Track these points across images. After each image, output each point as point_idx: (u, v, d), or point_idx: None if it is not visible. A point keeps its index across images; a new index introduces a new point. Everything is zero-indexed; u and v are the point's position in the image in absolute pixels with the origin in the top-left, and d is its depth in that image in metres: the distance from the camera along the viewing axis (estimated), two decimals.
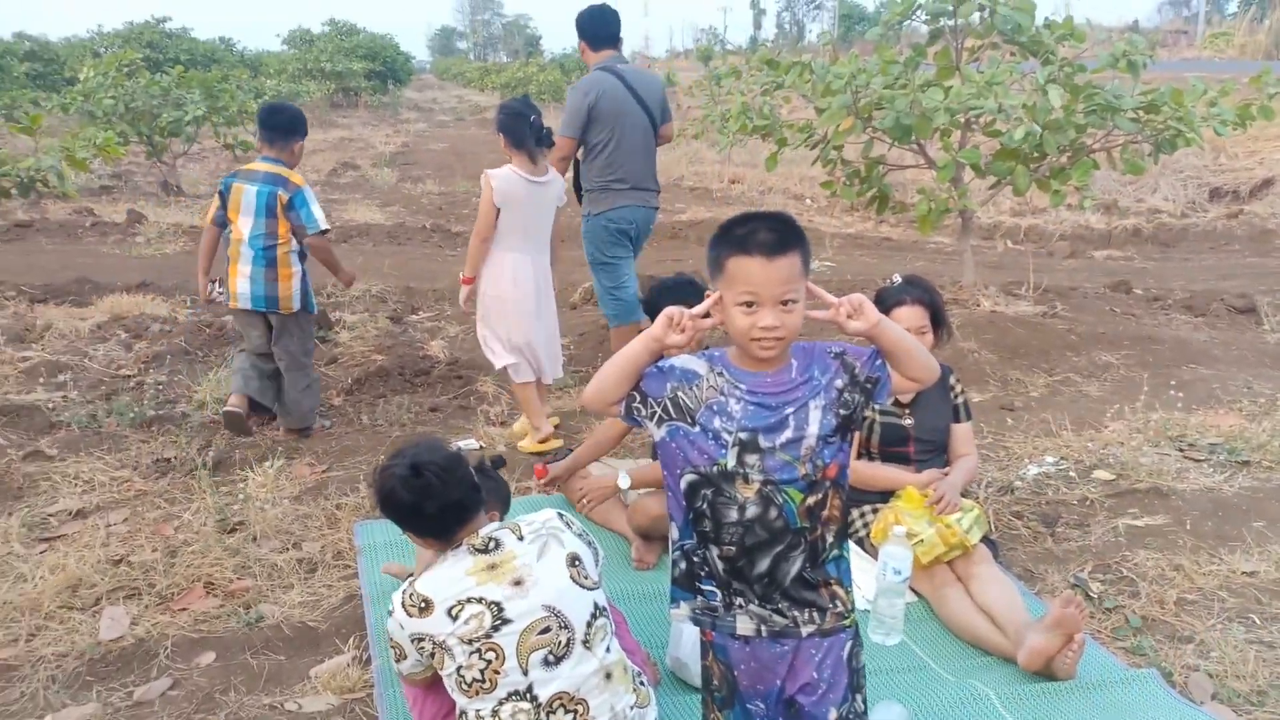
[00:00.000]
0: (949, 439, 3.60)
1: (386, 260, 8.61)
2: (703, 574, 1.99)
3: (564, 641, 2.28)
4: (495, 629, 2.22)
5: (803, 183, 13.34)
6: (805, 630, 1.96)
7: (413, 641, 2.25)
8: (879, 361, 1.96)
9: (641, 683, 2.44)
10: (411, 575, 2.49)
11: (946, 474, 3.44)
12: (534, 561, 2.30)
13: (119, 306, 6.76)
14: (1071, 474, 4.33)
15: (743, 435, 1.89)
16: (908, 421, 3.53)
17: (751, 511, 1.90)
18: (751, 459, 1.89)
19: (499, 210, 4.44)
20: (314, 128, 19.58)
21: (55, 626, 3.17)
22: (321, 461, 4.48)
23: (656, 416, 1.96)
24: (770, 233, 1.86)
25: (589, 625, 2.32)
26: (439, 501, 2.29)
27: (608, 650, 2.35)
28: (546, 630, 2.26)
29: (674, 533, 2.02)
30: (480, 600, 2.23)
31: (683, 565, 2.02)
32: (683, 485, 1.95)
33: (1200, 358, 6.10)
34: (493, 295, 4.58)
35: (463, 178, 13.82)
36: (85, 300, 7.02)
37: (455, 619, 2.21)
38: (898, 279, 3.58)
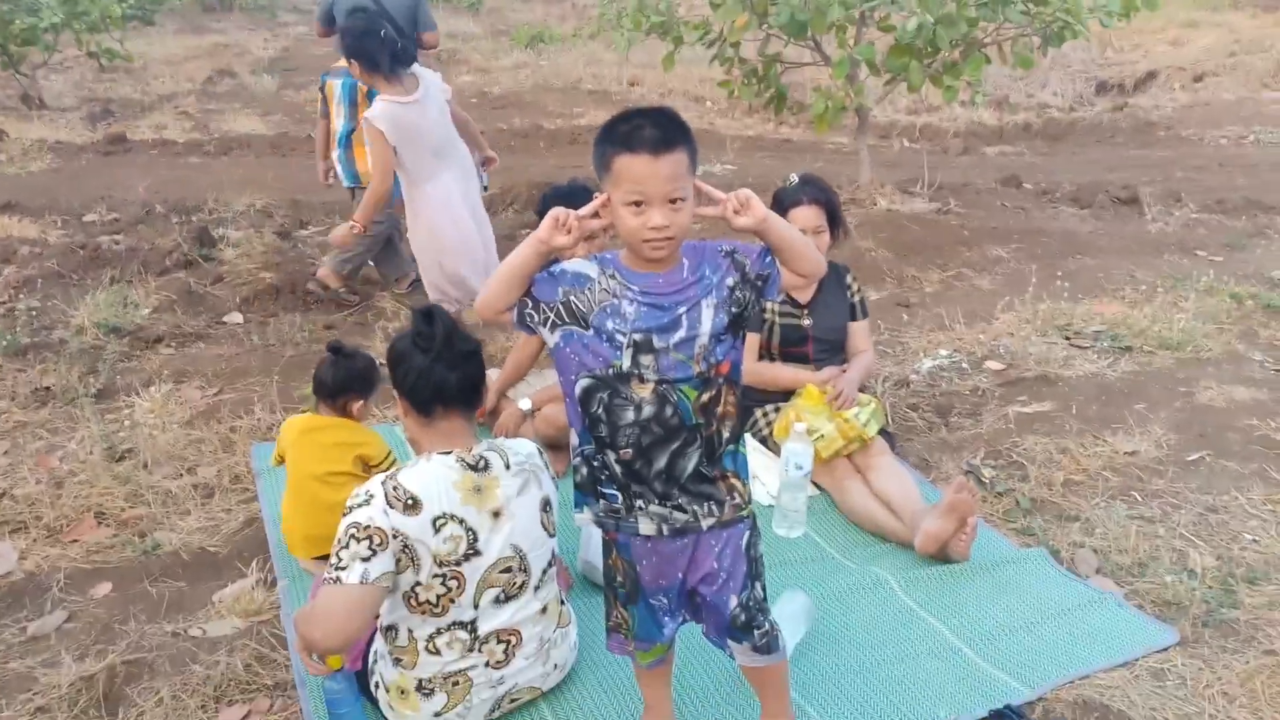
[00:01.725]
0: (847, 337, 3.66)
1: (270, 172, 8.24)
2: (603, 478, 1.99)
3: (519, 584, 2.27)
4: (466, 557, 2.18)
5: (702, 84, 13.17)
6: (705, 524, 1.98)
7: (391, 536, 2.10)
8: (768, 259, 1.95)
9: (563, 602, 2.46)
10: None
11: (845, 371, 3.49)
12: (514, 495, 2.26)
13: None
14: (964, 366, 4.46)
15: (637, 336, 1.88)
16: (806, 322, 3.57)
17: (648, 411, 1.90)
18: (646, 359, 1.88)
19: (396, 149, 4.23)
20: (186, 33, 18.59)
21: None
22: (212, 384, 4.32)
23: (549, 322, 1.93)
24: (655, 129, 1.81)
25: (543, 573, 2.32)
26: (445, 359, 2.20)
27: (549, 591, 2.36)
28: (507, 570, 2.24)
29: (573, 439, 2.01)
30: (461, 522, 2.17)
31: (584, 470, 2.01)
32: (578, 390, 1.93)
33: (1086, 248, 6.30)
34: (434, 230, 4.41)
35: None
36: None
37: (437, 532, 2.14)
38: (794, 179, 3.57)
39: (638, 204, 1.82)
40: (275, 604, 2.86)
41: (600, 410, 1.92)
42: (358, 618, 2.09)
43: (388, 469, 2.91)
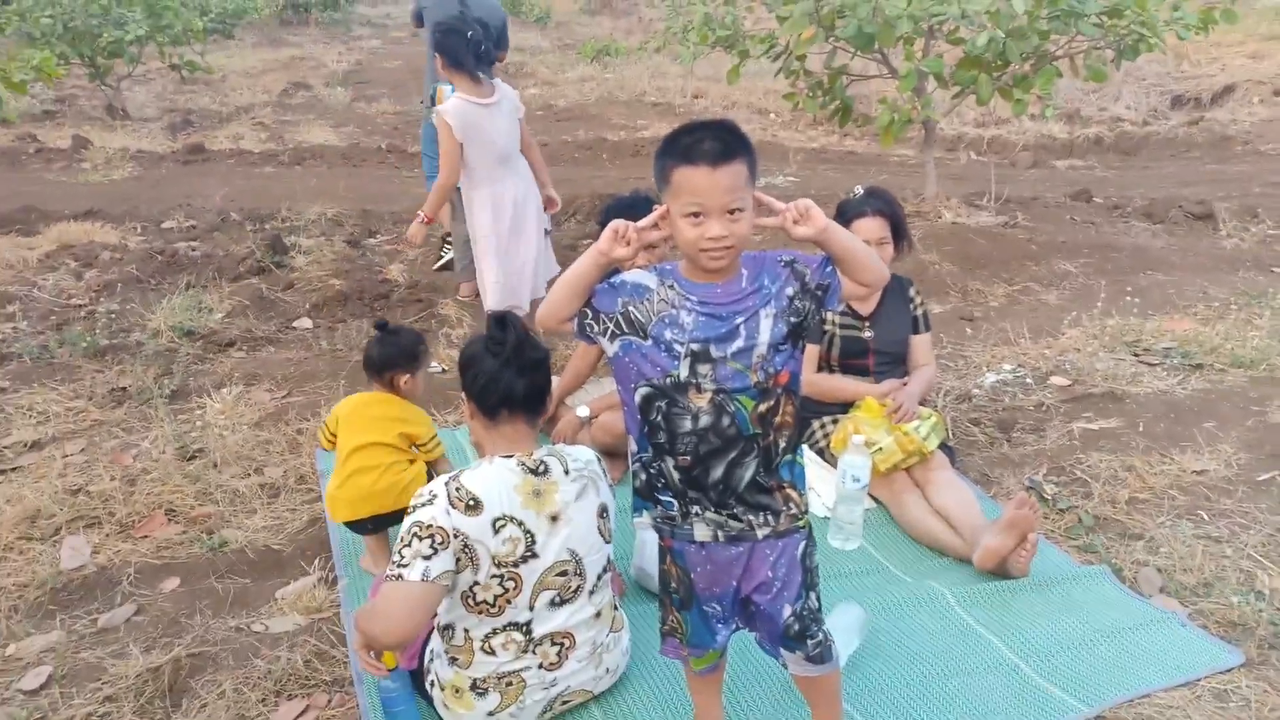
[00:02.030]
0: (908, 350, 3.63)
1: (341, 182, 8.44)
2: (660, 485, 2.00)
3: (574, 588, 2.30)
4: (524, 559, 2.22)
5: (766, 96, 13.17)
6: (761, 533, 1.99)
7: (453, 535, 2.14)
8: (829, 269, 1.94)
9: (616, 608, 2.48)
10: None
11: (905, 384, 3.46)
12: (572, 500, 2.29)
13: (67, 235, 6.59)
14: (1028, 381, 4.39)
15: (694, 346, 1.89)
16: (867, 334, 3.55)
17: (705, 420, 1.91)
18: (704, 369, 1.89)
19: (462, 146, 4.33)
20: (263, 47, 19.07)
21: (15, 558, 3.16)
22: (281, 387, 4.44)
23: (609, 332, 1.95)
24: (715, 141, 1.82)
25: (599, 578, 2.36)
26: (515, 366, 2.26)
27: (603, 596, 2.39)
28: (564, 574, 2.28)
29: (632, 445, 2.03)
30: (521, 524, 2.21)
31: (642, 477, 2.03)
32: (637, 399, 1.95)
33: (1157, 264, 6.16)
34: (481, 235, 4.51)
35: (419, 96, 13.50)
36: (32, 229, 6.83)
37: (496, 533, 2.18)
38: (859, 191, 3.56)
39: (696, 215, 1.83)
40: (336, 602, 2.92)
41: (659, 418, 1.94)
42: (418, 614, 2.13)
43: (432, 449, 3.01)
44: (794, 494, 2.01)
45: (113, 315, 5.24)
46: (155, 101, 13.11)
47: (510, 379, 2.26)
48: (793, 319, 1.92)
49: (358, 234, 6.84)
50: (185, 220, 7.16)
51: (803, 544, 2.04)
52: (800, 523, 2.03)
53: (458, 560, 2.15)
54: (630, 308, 1.93)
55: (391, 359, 3.06)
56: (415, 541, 2.12)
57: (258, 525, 3.36)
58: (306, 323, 5.28)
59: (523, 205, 4.55)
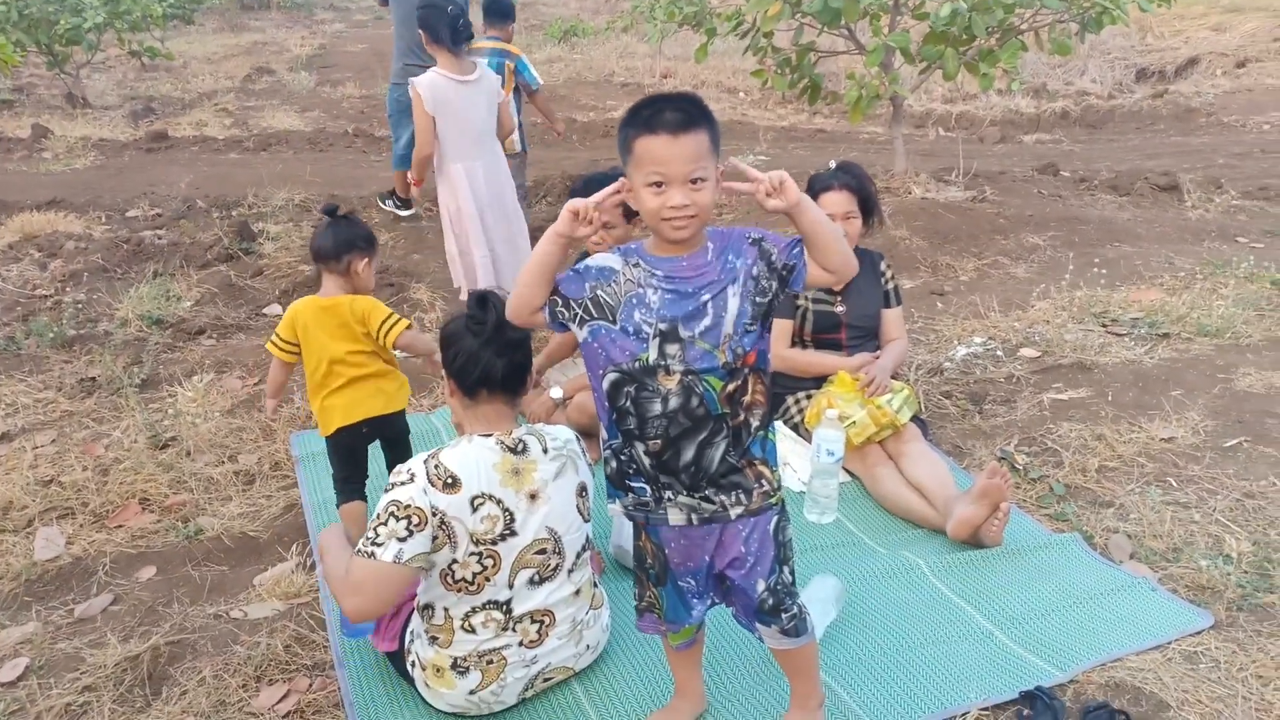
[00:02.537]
0: (880, 324, 3.65)
1: (308, 168, 8.35)
2: (631, 471, 2.01)
3: (553, 566, 2.31)
4: (502, 537, 2.23)
5: (735, 75, 13.16)
6: (734, 513, 2.00)
7: (430, 513, 2.15)
8: (796, 249, 1.93)
9: (595, 585, 2.50)
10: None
11: (877, 358, 3.49)
12: (551, 479, 2.30)
13: (30, 225, 6.49)
14: (999, 353, 4.43)
15: (663, 326, 1.89)
16: (840, 309, 3.57)
17: (674, 402, 1.91)
18: (672, 349, 1.89)
19: (434, 119, 4.35)
20: (224, 32, 18.82)
21: None
22: (253, 374, 4.40)
23: (579, 318, 1.95)
24: (676, 112, 1.82)
25: (578, 556, 2.36)
26: (495, 345, 2.25)
27: (582, 574, 2.40)
28: (542, 552, 2.28)
29: (603, 432, 2.03)
30: (500, 502, 2.22)
31: (613, 464, 2.03)
32: (605, 385, 1.95)
33: (1124, 236, 6.23)
34: (449, 210, 4.53)
35: (384, 80, 13.33)
36: None
37: (475, 511, 2.19)
38: (832, 165, 3.57)
39: (659, 185, 1.83)
40: (314, 587, 2.92)
41: (628, 404, 1.94)
42: (386, 594, 2.15)
43: (393, 327, 2.92)
44: (765, 470, 2.01)
45: (80, 305, 5.18)
46: (116, 89, 12.91)
47: (490, 358, 2.26)
48: (759, 299, 1.92)
49: None
50: (150, 208, 7.06)
51: (775, 518, 2.06)
52: (773, 499, 2.04)
53: (435, 539, 2.16)
54: (599, 291, 1.93)
55: (350, 241, 2.93)
56: (391, 521, 2.13)
57: (233, 512, 3.35)
58: (276, 309, 5.24)
59: (497, 187, 4.54)
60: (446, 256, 4.75)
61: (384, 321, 2.93)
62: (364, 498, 3.06)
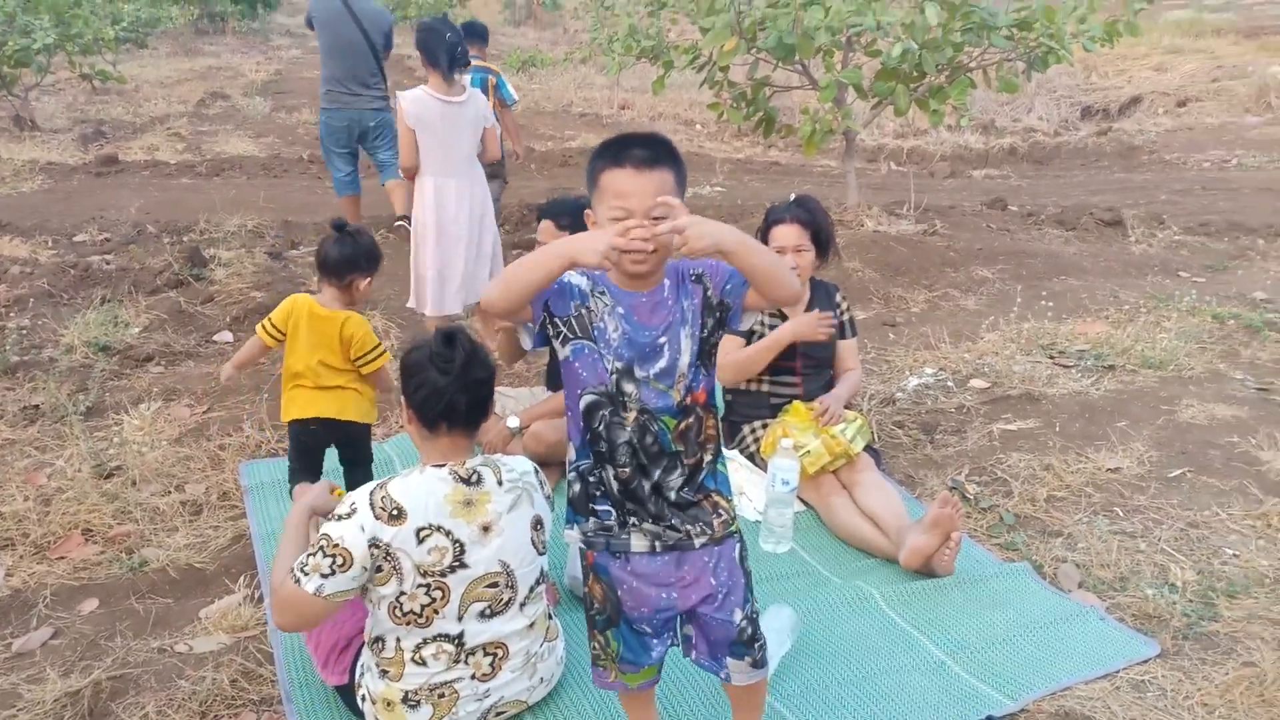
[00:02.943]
0: (835, 355, 3.69)
1: (262, 193, 8.27)
2: (598, 494, 2.00)
3: (505, 600, 2.28)
4: (451, 569, 2.19)
5: (692, 108, 13.30)
6: (698, 542, 2.00)
7: (369, 547, 2.12)
8: (729, 285, 1.94)
9: (550, 617, 2.48)
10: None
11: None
12: (505, 511, 2.27)
13: None
14: (949, 384, 4.49)
15: (619, 364, 1.91)
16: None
17: (634, 436, 1.93)
18: (629, 388, 1.91)
19: (413, 132, 4.45)
20: (178, 56, 18.62)
21: None
22: (201, 402, 4.34)
23: (563, 336, 1.94)
24: (643, 149, 1.86)
25: (531, 590, 2.34)
26: (459, 382, 2.20)
27: (536, 607, 2.37)
28: (494, 585, 2.25)
29: (570, 454, 2.02)
30: (449, 534, 2.18)
31: (577, 487, 2.02)
32: (582, 405, 1.95)
33: (1070, 269, 6.37)
34: (419, 221, 4.59)
35: None
36: None
37: (421, 543, 2.16)
38: (791, 198, 3.61)
39: (621, 219, 1.84)
40: (261, 620, 2.86)
41: (601, 427, 1.94)
42: (308, 619, 2.23)
43: (375, 359, 3.08)
44: (721, 500, 2.03)
45: (24, 331, 5.07)
46: (65, 112, 12.71)
47: (454, 395, 2.22)
48: (704, 335, 1.95)
49: (279, 245, 6.71)
50: (99, 233, 6.94)
51: (738, 547, 2.06)
52: (733, 528, 2.05)
53: (379, 569, 2.15)
54: (581, 311, 1.94)
55: (352, 260, 3.03)
56: (320, 555, 2.14)
57: (179, 544, 3.28)
58: (227, 336, 5.18)
59: (469, 206, 4.59)
60: (412, 274, 4.74)
61: (368, 353, 3.11)
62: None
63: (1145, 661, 2.65)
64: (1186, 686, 2.55)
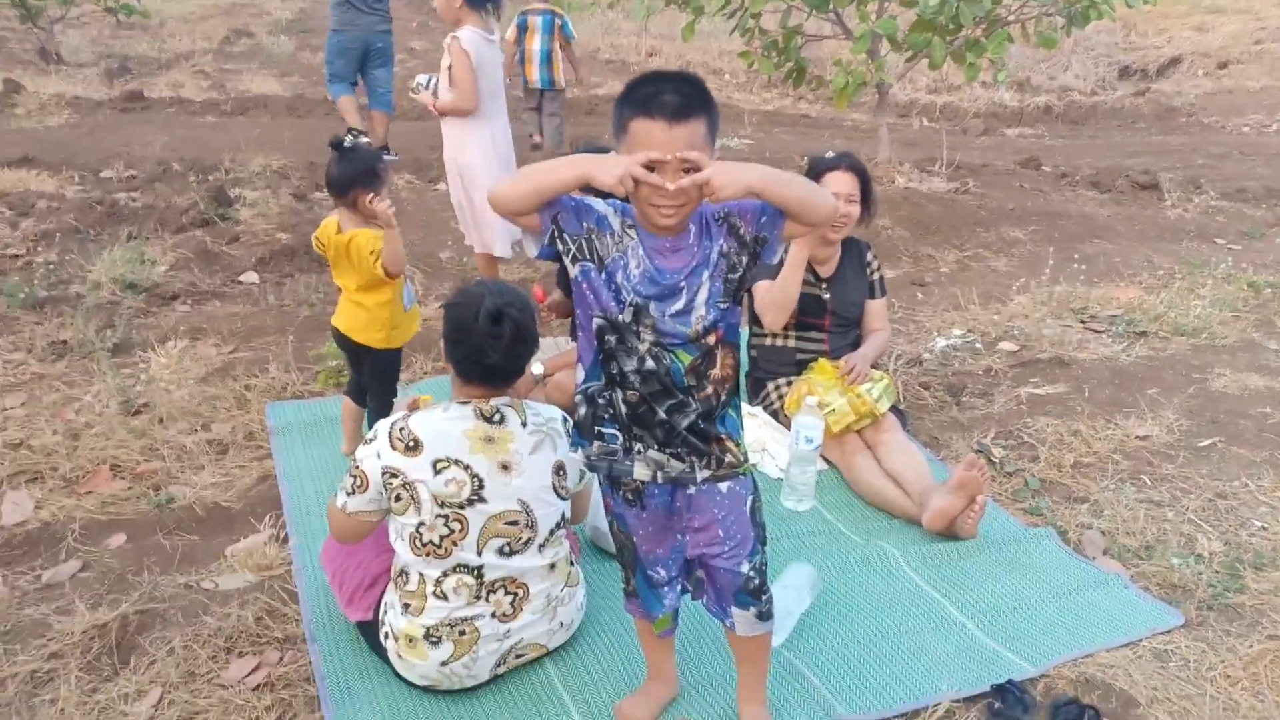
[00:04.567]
0: (863, 314, 3.65)
1: (286, 134, 8.22)
2: (606, 416, 1.98)
3: (524, 539, 2.30)
4: (469, 502, 2.23)
5: (721, 57, 13.09)
6: (700, 475, 1.99)
7: (384, 474, 2.22)
8: (764, 219, 1.89)
9: (572, 563, 2.49)
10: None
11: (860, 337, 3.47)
12: (526, 453, 2.29)
13: (1, 182, 6.37)
14: (978, 346, 4.45)
15: (637, 300, 1.89)
16: (826, 295, 3.56)
17: (648, 364, 1.91)
18: (646, 319, 1.89)
19: (476, 73, 4.32)
20: None
21: None
22: (227, 342, 4.34)
23: (572, 254, 1.92)
24: (674, 95, 1.78)
25: (551, 533, 2.35)
26: (503, 354, 2.23)
27: (556, 550, 2.39)
28: (513, 523, 2.28)
29: (579, 375, 2.01)
30: (467, 468, 2.22)
31: (584, 409, 2.00)
32: (594, 325, 1.94)
33: (1104, 233, 6.27)
34: (469, 164, 4.45)
35: None
36: None
37: (438, 474, 2.20)
38: (831, 154, 3.54)
39: (650, 170, 1.79)
40: (287, 559, 2.89)
41: (613, 348, 1.93)
42: (343, 533, 2.38)
43: (375, 260, 3.07)
44: (731, 444, 2.01)
45: (51, 266, 5.09)
46: (90, 46, 12.65)
47: (496, 360, 2.25)
48: (730, 275, 1.91)
49: (304, 187, 6.70)
50: (125, 170, 6.94)
51: (750, 499, 2.05)
52: (741, 469, 2.03)
53: (397, 498, 2.22)
54: (594, 236, 1.91)
55: (351, 177, 3.04)
56: (347, 475, 2.31)
57: (206, 482, 3.30)
58: (253, 276, 5.18)
59: (505, 147, 4.57)
60: (455, 207, 4.70)
61: (369, 255, 3.08)
62: (359, 401, 3.38)
63: (1169, 631, 2.64)
64: (1210, 658, 2.53)
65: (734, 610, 2.10)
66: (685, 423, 1.95)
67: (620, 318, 1.90)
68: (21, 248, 5.36)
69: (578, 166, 1.82)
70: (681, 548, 2.08)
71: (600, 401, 1.98)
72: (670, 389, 1.92)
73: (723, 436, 1.99)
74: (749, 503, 2.05)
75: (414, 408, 2.39)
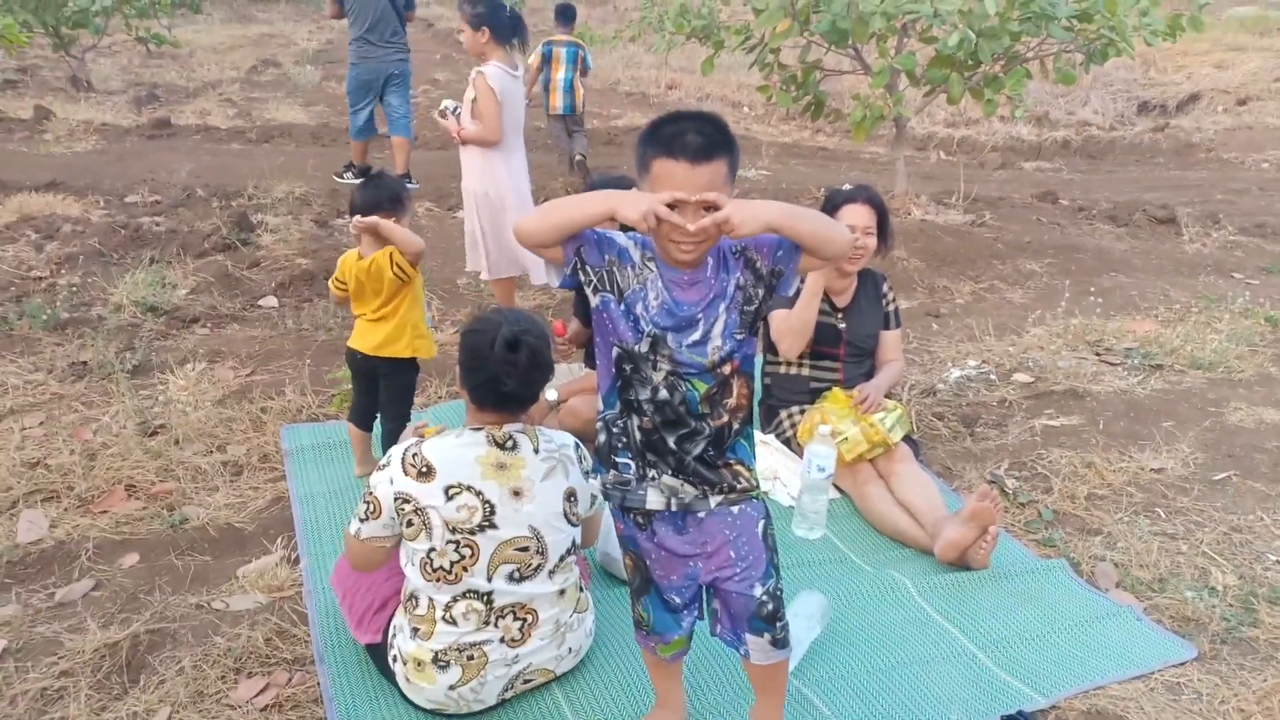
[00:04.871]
0: (878, 344, 3.66)
1: (310, 161, 8.34)
2: (620, 445, 2.01)
3: (534, 566, 2.31)
4: (480, 528, 2.24)
5: (740, 90, 13.19)
6: (713, 502, 2.00)
7: (396, 500, 2.24)
8: (780, 253, 1.93)
9: (581, 589, 2.49)
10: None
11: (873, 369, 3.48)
12: (538, 479, 2.30)
13: (28, 206, 6.47)
14: (992, 377, 4.44)
15: (655, 331, 1.92)
16: (841, 325, 3.57)
17: (662, 394, 1.94)
18: (662, 350, 1.92)
19: (501, 106, 4.40)
20: (231, 22, 18.78)
21: None
22: (245, 365, 4.39)
23: (593, 285, 1.96)
24: (697, 135, 1.81)
25: (561, 559, 2.36)
26: (518, 381, 2.26)
27: (566, 576, 2.40)
28: (524, 549, 2.29)
29: (599, 404, 2.04)
30: (479, 494, 2.24)
31: (603, 437, 2.04)
32: (613, 353, 1.97)
33: (1120, 266, 6.25)
34: (495, 195, 4.50)
35: None
36: None
37: (449, 499, 2.22)
38: (848, 187, 3.56)
39: (671, 208, 1.82)
40: (298, 581, 2.90)
41: (630, 376, 1.96)
42: (362, 560, 2.40)
43: (398, 267, 3.16)
44: (743, 469, 2.03)
45: (74, 288, 5.16)
46: (120, 74, 12.89)
47: (510, 386, 2.27)
48: (746, 307, 1.94)
49: (325, 214, 6.77)
50: (149, 195, 7.04)
51: (761, 522, 2.06)
52: (753, 494, 2.04)
53: (409, 524, 2.24)
54: (614, 268, 1.95)
55: (375, 202, 3.17)
56: (361, 502, 2.33)
57: (220, 503, 3.33)
58: (272, 301, 5.23)
59: (522, 179, 4.65)
60: (467, 239, 4.75)
61: (392, 268, 3.18)
62: (362, 426, 3.46)
63: (1181, 664, 2.62)
64: (1223, 691, 2.51)
65: (748, 637, 2.09)
66: (696, 451, 1.97)
67: (637, 348, 1.93)
68: (46, 270, 5.44)
69: (604, 202, 1.86)
70: (695, 574, 2.09)
71: (615, 430, 2.01)
72: (682, 419, 1.95)
73: (734, 463, 2.01)
74: (760, 525, 2.05)
75: (420, 435, 2.42)
